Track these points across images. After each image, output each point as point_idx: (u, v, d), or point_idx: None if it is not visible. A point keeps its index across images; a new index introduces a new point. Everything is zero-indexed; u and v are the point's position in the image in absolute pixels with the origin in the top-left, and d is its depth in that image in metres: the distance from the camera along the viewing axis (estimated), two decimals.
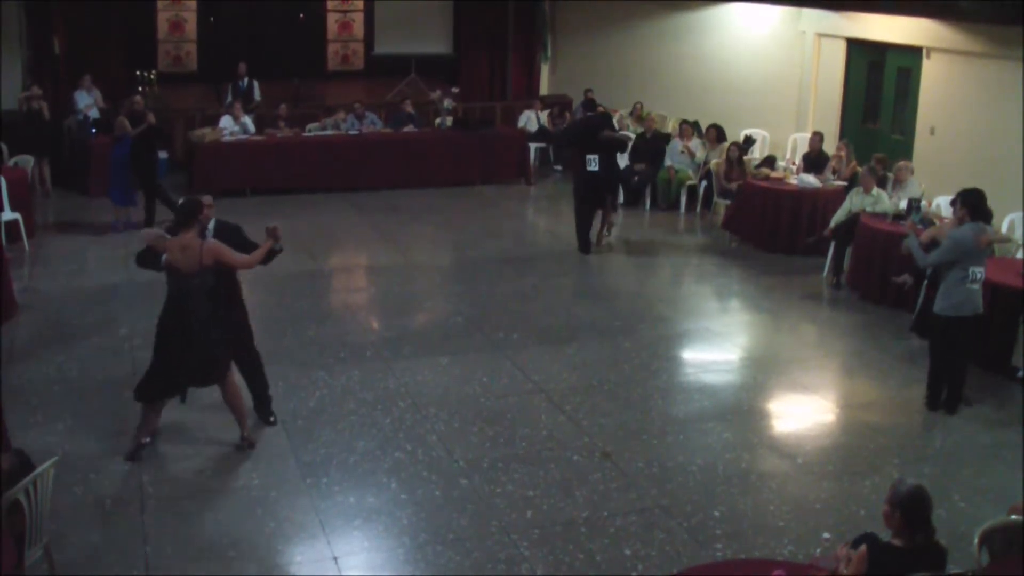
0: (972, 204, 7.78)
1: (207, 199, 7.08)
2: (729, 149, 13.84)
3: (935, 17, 12.21)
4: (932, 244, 8.09)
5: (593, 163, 12.13)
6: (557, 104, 18.31)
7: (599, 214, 12.61)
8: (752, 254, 12.42)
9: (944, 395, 8.10)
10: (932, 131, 12.75)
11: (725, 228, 13.12)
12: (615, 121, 16.32)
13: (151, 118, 12.81)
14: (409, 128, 15.99)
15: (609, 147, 12.40)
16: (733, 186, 13.25)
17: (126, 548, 5.94)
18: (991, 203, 10.31)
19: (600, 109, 14.89)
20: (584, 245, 12.36)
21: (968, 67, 12.27)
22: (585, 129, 12.65)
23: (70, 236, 12.73)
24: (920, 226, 8.81)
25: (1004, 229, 10.74)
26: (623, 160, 15.08)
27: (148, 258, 6.99)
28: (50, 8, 16.01)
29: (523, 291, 10.98)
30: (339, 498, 6.56)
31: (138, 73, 16.61)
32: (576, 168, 12.48)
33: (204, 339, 6.82)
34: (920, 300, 8.74)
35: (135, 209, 12.94)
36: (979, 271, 7.71)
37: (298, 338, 9.36)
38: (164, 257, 6.74)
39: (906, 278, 10.15)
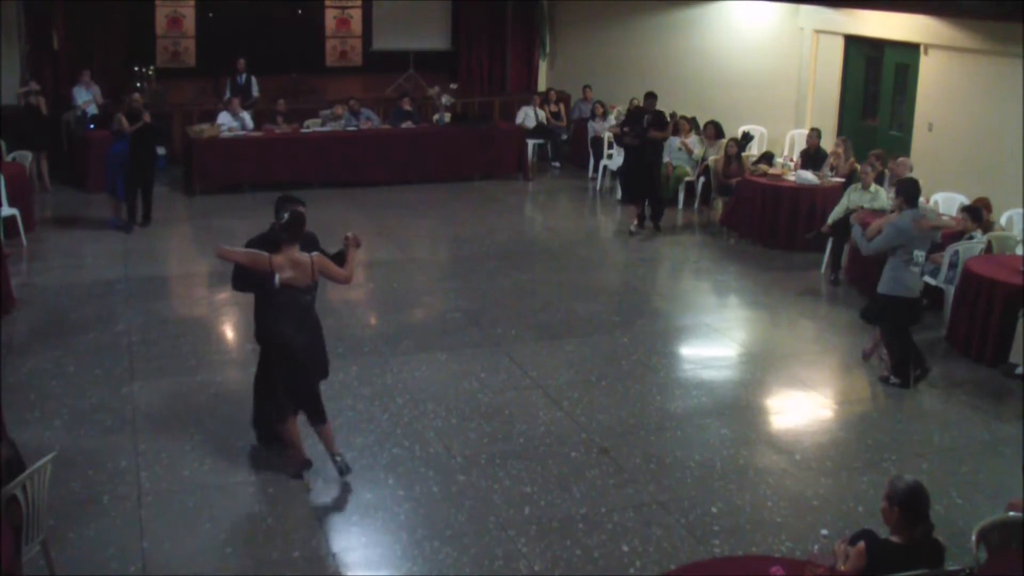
0: (907, 193, 8.24)
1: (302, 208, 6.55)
2: (727, 145, 13.83)
3: (933, 14, 12.21)
4: (879, 233, 8.38)
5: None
6: (552, 91, 18.33)
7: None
8: (750, 250, 12.42)
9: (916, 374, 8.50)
10: (930, 127, 12.75)
11: (723, 224, 13.13)
12: (612, 117, 16.40)
13: (147, 117, 12.77)
14: (407, 124, 15.98)
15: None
16: (731, 182, 13.24)
17: (123, 544, 5.94)
18: (990, 199, 10.44)
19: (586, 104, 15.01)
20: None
21: (966, 64, 12.26)
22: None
23: (68, 231, 12.72)
24: (887, 211, 9.11)
25: (1003, 224, 10.76)
26: (621, 156, 15.09)
27: (251, 280, 6.58)
28: (49, 3, 16.00)
29: (521, 287, 10.98)
30: (337, 494, 6.56)
31: (136, 69, 16.59)
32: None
33: (324, 352, 6.84)
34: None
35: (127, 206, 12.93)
36: (921, 255, 8.17)
37: None
38: (278, 277, 6.28)
39: None
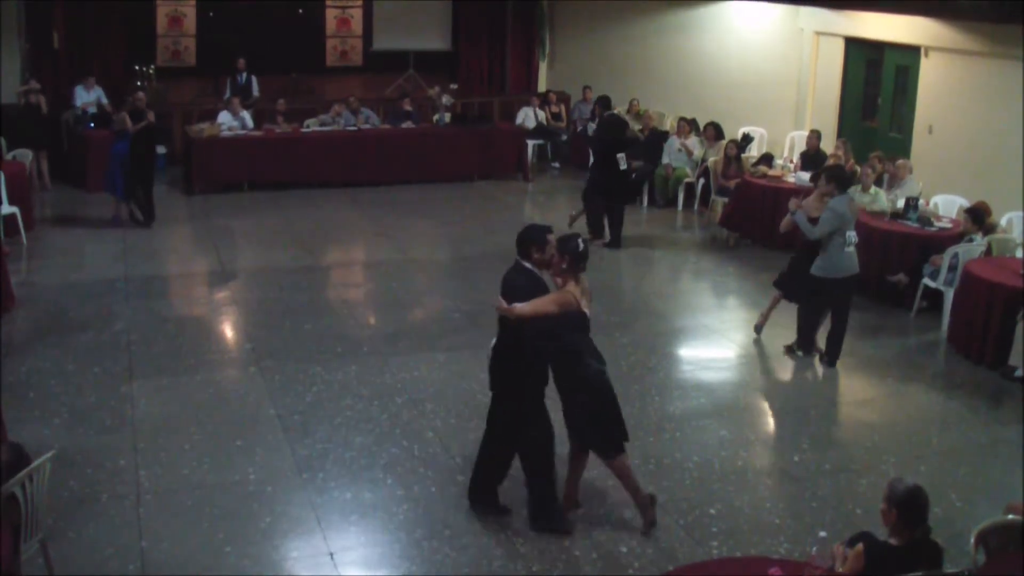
0: (839, 179, 8.73)
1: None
2: (727, 147, 13.83)
3: (933, 15, 12.21)
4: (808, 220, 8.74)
5: (623, 161, 12.36)
6: (552, 91, 18.32)
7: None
8: (749, 251, 12.42)
9: (825, 349, 8.99)
10: (930, 130, 12.75)
11: (722, 225, 13.13)
12: None
13: (151, 117, 12.79)
14: (407, 124, 15.99)
15: (633, 145, 12.77)
16: (731, 184, 13.24)
17: (122, 543, 5.94)
18: (989, 202, 10.45)
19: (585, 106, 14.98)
20: (599, 232, 12.60)
21: (966, 66, 12.26)
22: (613, 129, 12.72)
23: (68, 230, 12.72)
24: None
25: (1003, 226, 10.77)
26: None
27: (565, 325, 5.93)
28: (50, 2, 15.99)
29: None
30: (335, 493, 6.56)
31: (137, 68, 16.59)
32: (606, 167, 12.42)
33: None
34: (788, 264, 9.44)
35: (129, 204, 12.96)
36: (853, 235, 8.59)
37: (295, 333, 9.36)
38: (588, 311, 5.94)
39: (901, 277, 10.20)
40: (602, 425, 6.07)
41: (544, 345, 5.95)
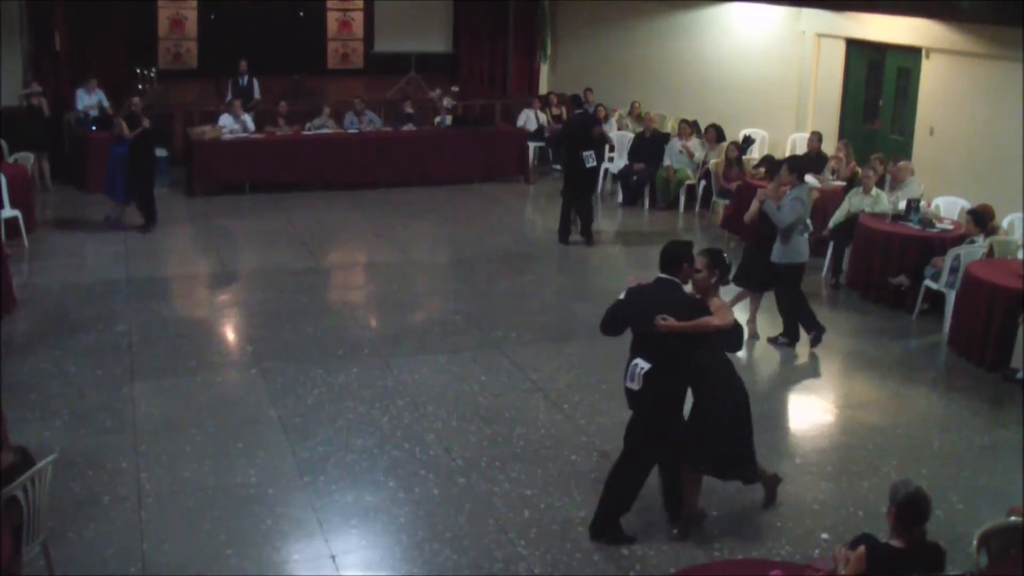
0: (800, 169, 9.14)
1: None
2: (728, 149, 13.84)
3: (935, 17, 12.20)
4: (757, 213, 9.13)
5: (590, 159, 12.39)
6: (553, 94, 18.33)
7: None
8: None
9: (806, 330, 9.29)
10: (931, 132, 12.74)
11: (724, 228, 13.13)
12: (614, 120, 16.45)
13: (146, 123, 12.73)
14: (409, 126, 16.00)
15: (601, 144, 12.77)
16: (732, 186, 13.24)
17: (123, 545, 5.94)
18: (990, 204, 10.45)
19: (587, 107, 15.02)
20: (565, 236, 12.64)
21: (967, 68, 12.26)
22: (578, 127, 12.86)
23: (69, 232, 12.72)
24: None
25: (1004, 228, 10.77)
26: (623, 159, 15.17)
27: (719, 340, 5.98)
28: (51, 4, 16.00)
29: (522, 289, 10.98)
30: (336, 496, 6.56)
31: (138, 70, 16.60)
32: (571, 165, 12.54)
33: None
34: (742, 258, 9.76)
35: (131, 208, 12.94)
36: (809, 222, 9.15)
37: (296, 335, 9.36)
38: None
39: (902, 279, 10.19)
40: (733, 444, 6.04)
41: (700, 361, 5.94)
